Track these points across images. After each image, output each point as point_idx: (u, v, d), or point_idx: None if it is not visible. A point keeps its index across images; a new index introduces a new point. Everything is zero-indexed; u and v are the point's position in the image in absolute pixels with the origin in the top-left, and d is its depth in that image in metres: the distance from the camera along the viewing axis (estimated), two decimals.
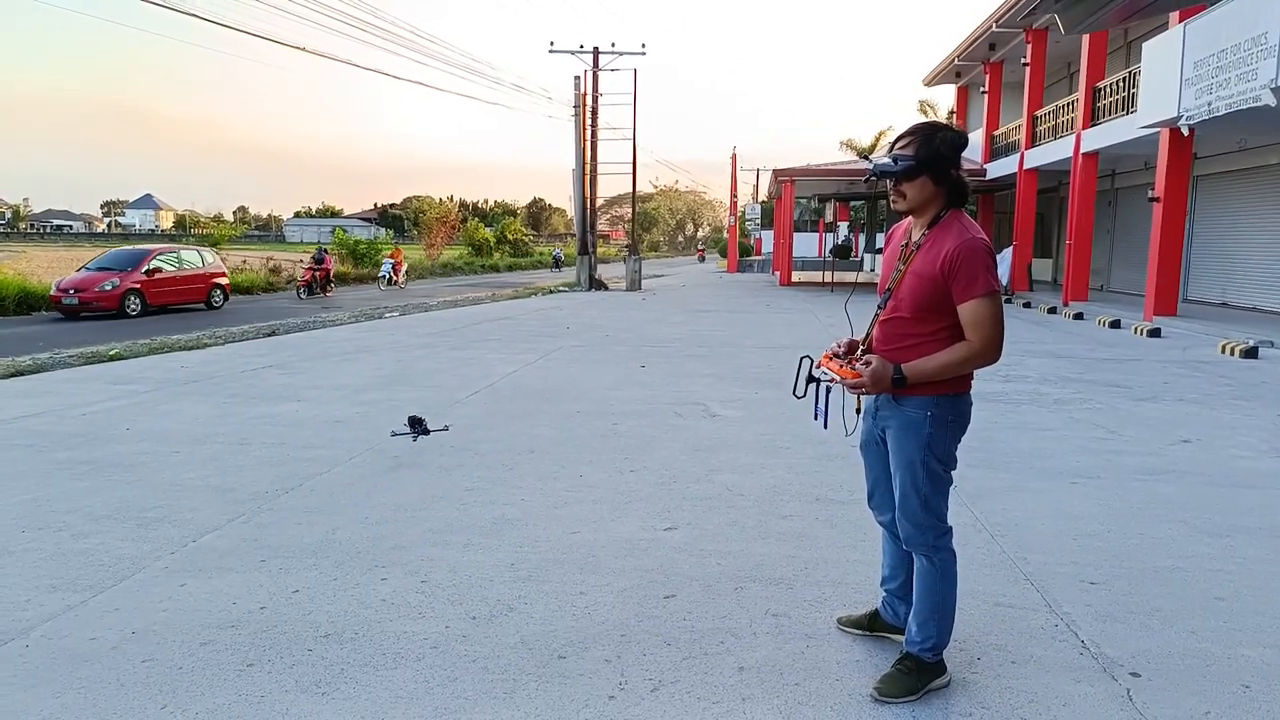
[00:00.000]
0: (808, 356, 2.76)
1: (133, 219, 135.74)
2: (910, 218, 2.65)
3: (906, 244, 2.63)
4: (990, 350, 2.44)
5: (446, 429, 5.71)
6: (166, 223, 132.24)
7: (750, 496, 4.57)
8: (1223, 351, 10.72)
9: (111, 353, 10.49)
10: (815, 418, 2.78)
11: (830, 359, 2.69)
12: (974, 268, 2.41)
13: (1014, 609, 3.17)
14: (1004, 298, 2.51)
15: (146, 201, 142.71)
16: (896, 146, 2.56)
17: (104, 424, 6.28)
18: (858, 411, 2.78)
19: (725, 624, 3.04)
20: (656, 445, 5.71)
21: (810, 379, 2.75)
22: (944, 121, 2.69)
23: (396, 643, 2.88)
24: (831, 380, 2.67)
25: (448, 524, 4.11)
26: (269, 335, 12.72)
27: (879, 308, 2.65)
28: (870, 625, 2.94)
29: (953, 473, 2.60)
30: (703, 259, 56.01)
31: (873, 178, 2.63)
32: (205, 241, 28.69)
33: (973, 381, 2.59)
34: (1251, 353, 10.34)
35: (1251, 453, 5.62)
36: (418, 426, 5.53)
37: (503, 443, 5.76)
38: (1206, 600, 3.27)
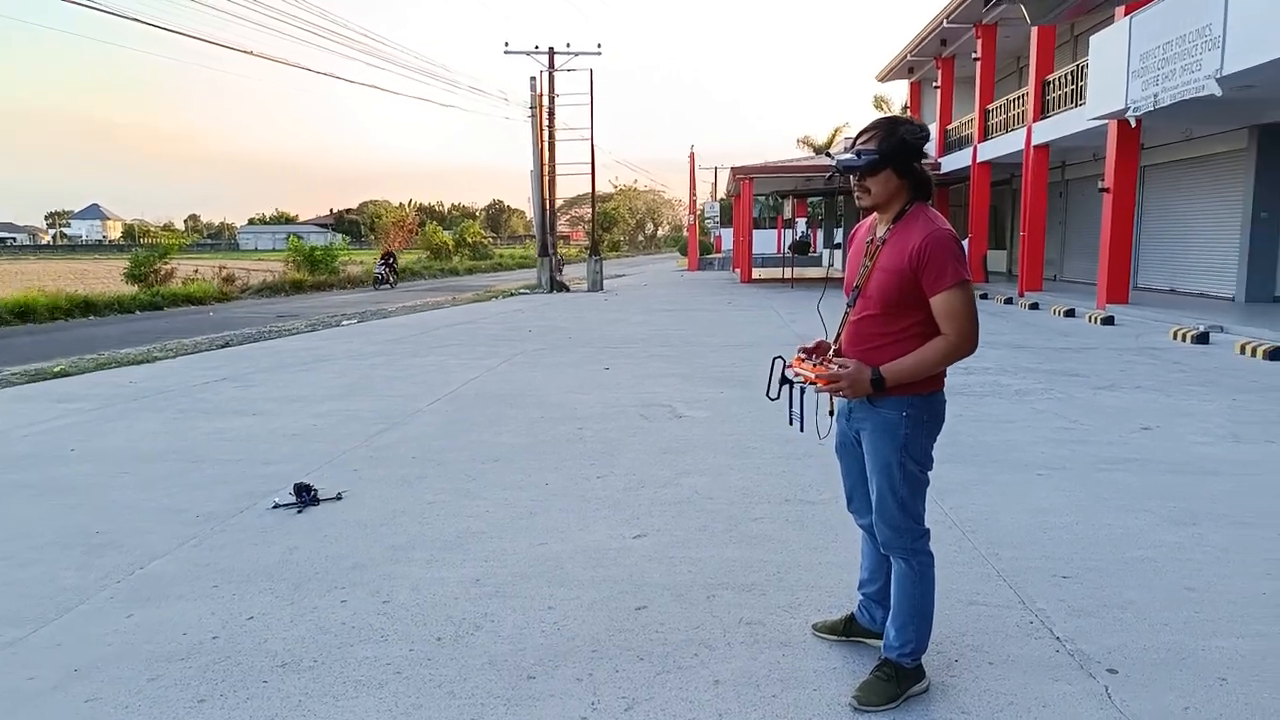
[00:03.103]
0: (780, 357, 2.69)
1: (79, 230, 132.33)
2: (874, 214, 2.59)
3: (872, 240, 2.58)
4: (967, 342, 2.40)
5: (339, 498, 4.59)
6: (115, 233, 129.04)
7: (719, 500, 4.50)
8: (1174, 338, 10.93)
9: (56, 369, 10.13)
10: (790, 422, 2.71)
11: (802, 360, 2.63)
12: (942, 259, 2.37)
13: (989, 607, 3.14)
14: None
15: (93, 211, 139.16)
16: (859, 141, 2.51)
17: (48, 444, 6.03)
18: (831, 414, 2.73)
19: (698, 635, 2.96)
20: (623, 449, 5.63)
21: (783, 381, 2.68)
22: (905, 116, 2.63)
23: (358, 669, 2.76)
24: (804, 382, 2.60)
25: (410, 539, 3.99)
26: (223, 347, 12.39)
27: (848, 306, 2.60)
28: (846, 630, 2.89)
29: (929, 473, 2.55)
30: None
31: (836, 173, 2.57)
32: (154, 251, 27.81)
33: (945, 378, 2.54)
34: (1202, 338, 10.55)
35: (1210, 438, 5.69)
36: (304, 496, 4.50)
37: (466, 452, 5.63)
38: (1177, 591, 3.27)
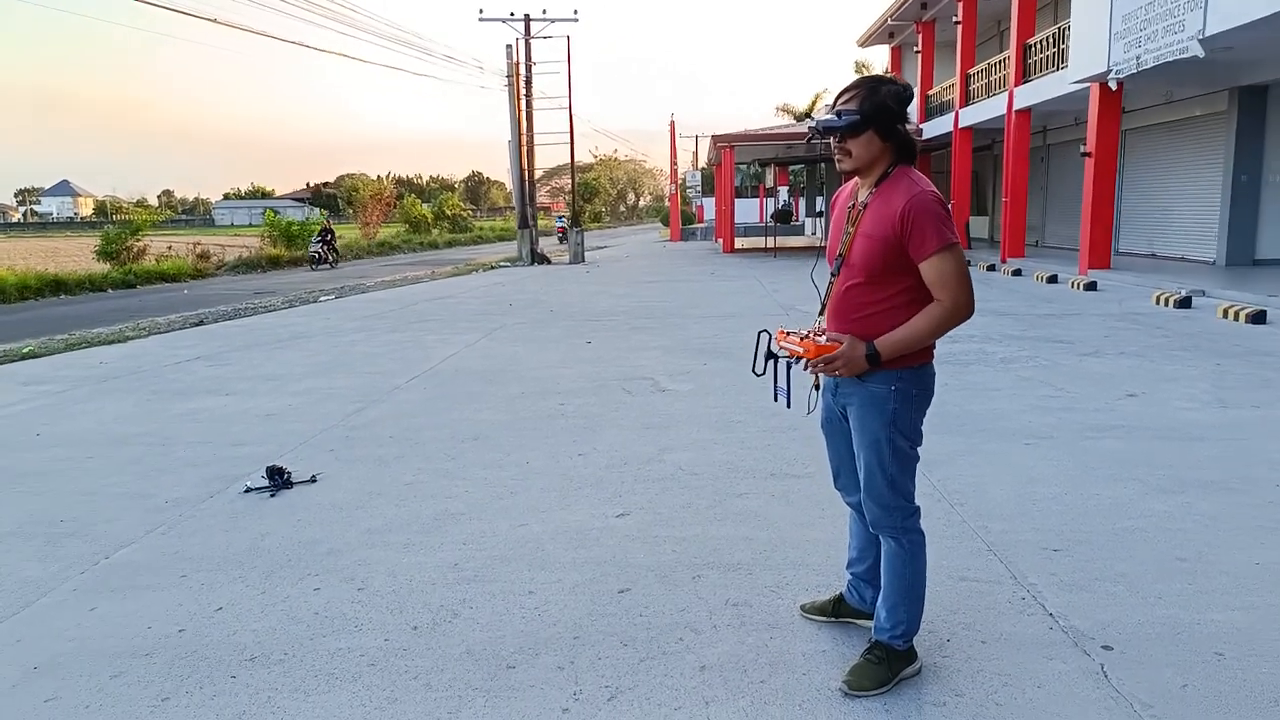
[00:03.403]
0: (765, 331, 2.58)
1: (49, 207, 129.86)
2: (855, 179, 2.48)
3: (853, 205, 2.46)
4: (962, 308, 2.30)
5: (314, 480, 4.47)
6: (86, 209, 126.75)
7: (704, 475, 4.42)
8: (1157, 303, 10.92)
9: (25, 350, 9.88)
10: (775, 398, 2.62)
11: (787, 334, 2.52)
12: (927, 222, 2.25)
13: (980, 583, 3.08)
14: None
15: (63, 188, 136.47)
16: (839, 102, 2.38)
17: (13, 429, 5.85)
18: (816, 388, 2.63)
19: (683, 618, 2.88)
20: (605, 425, 5.53)
21: (768, 355, 2.58)
22: (889, 75, 2.49)
23: (330, 662, 2.65)
24: (790, 357, 2.50)
25: (387, 522, 3.88)
26: (197, 325, 12.15)
27: (832, 276, 2.49)
28: (835, 611, 2.81)
29: (919, 448, 2.46)
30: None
31: (816, 136, 2.45)
32: (126, 228, 27.23)
33: (934, 350, 2.45)
34: (1185, 303, 10.54)
35: (1195, 404, 5.66)
36: (277, 479, 4.37)
37: (445, 430, 5.51)
38: (1169, 562, 3.22)
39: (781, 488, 4.17)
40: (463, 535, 3.69)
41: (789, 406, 2.63)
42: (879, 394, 2.39)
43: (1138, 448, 4.69)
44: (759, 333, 2.60)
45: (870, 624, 2.60)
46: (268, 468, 4.45)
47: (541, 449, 5.01)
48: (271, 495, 4.28)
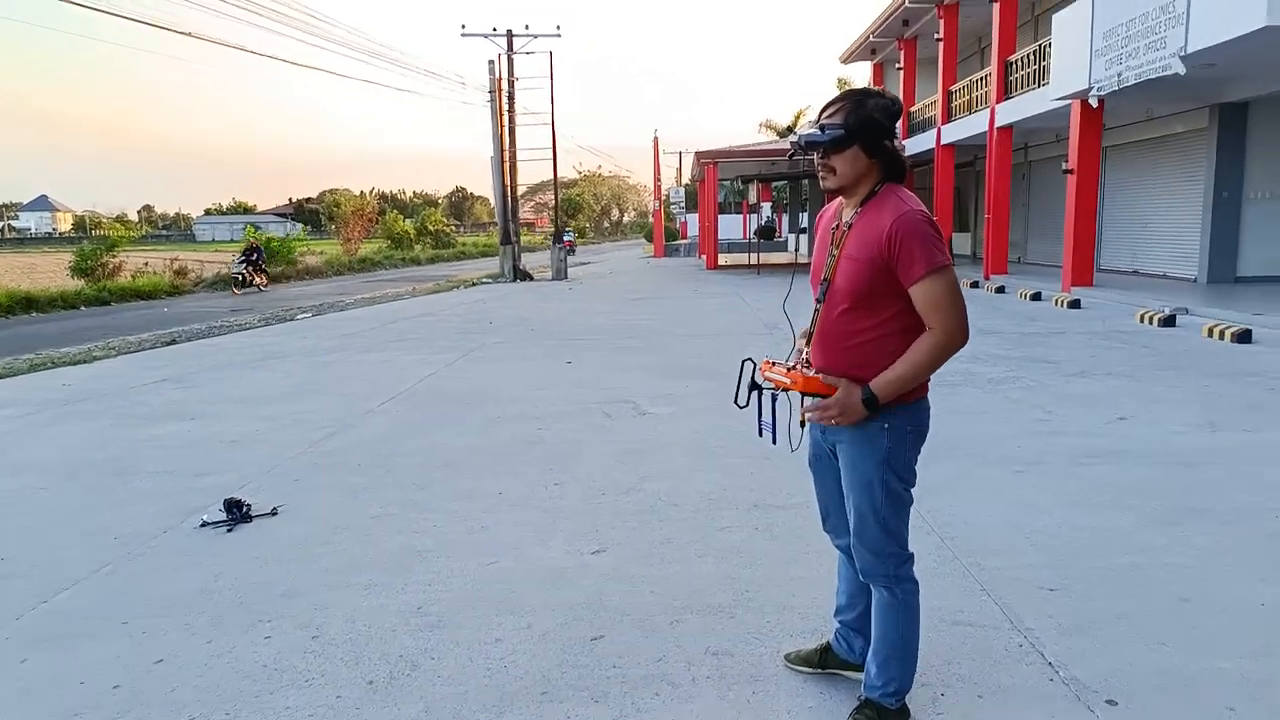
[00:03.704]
0: (749, 359, 2.41)
1: (27, 222, 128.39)
2: (840, 198, 2.32)
3: (837, 226, 2.30)
4: (957, 334, 2.13)
5: (275, 513, 4.24)
6: (65, 225, 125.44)
7: (684, 507, 4.23)
8: (1141, 321, 10.86)
9: None
10: (760, 433, 2.45)
11: (773, 364, 2.36)
12: (915, 243, 2.09)
13: (974, 627, 2.91)
14: None
15: (41, 203, 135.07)
16: (824, 115, 2.22)
17: None
18: (803, 424, 2.45)
19: (660, 669, 2.69)
20: (584, 451, 5.34)
21: (752, 386, 2.41)
22: (876, 89, 2.33)
23: None
24: (776, 388, 2.34)
25: (349, 560, 3.67)
26: (169, 344, 11.87)
27: (817, 302, 2.32)
28: (821, 662, 2.63)
29: (912, 489, 2.29)
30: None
31: (799, 152, 2.29)
32: (101, 244, 26.81)
33: (929, 383, 2.28)
34: (1169, 321, 10.48)
35: (1185, 427, 5.54)
36: (235, 512, 4.13)
37: (416, 457, 5.30)
38: (1171, 602, 3.06)
39: (765, 520, 4.00)
40: (429, 575, 3.49)
41: (775, 443, 2.46)
42: (871, 431, 2.22)
43: (1131, 474, 4.55)
44: (742, 361, 2.43)
45: (859, 676, 2.43)
46: (225, 500, 4.23)
47: (517, 478, 4.81)
48: (229, 530, 4.06)
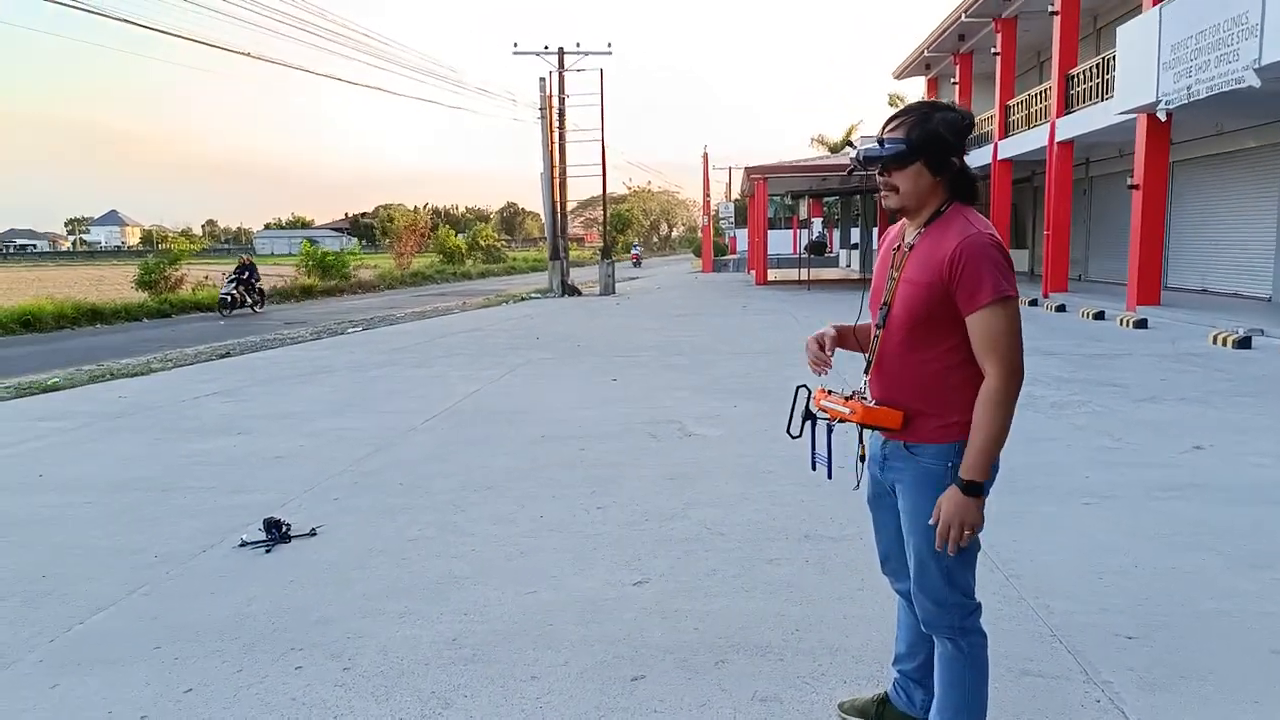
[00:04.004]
0: (804, 386, 2.25)
1: (98, 236, 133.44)
2: (904, 219, 2.15)
3: (899, 247, 2.13)
4: (1013, 377, 1.95)
5: (314, 534, 4.17)
6: (134, 239, 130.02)
7: (731, 536, 4.06)
8: (1214, 342, 10.37)
9: (50, 382, 9.82)
10: (814, 466, 2.29)
11: (829, 393, 2.19)
12: (981, 267, 1.92)
13: (1045, 679, 2.68)
14: None
15: (111, 218, 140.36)
16: (886, 129, 2.06)
17: (16, 470, 5.66)
18: (861, 459, 2.27)
19: (705, 716, 2.52)
20: (628, 474, 5.19)
21: (806, 415, 2.25)
22: (945, 101, 2.14)
23: None
24: (833, 419, 2.17)
25: (385, 586, 3.57)
26: (223, 357, 12.06)
27: (876, 328, 2.15)
28: (879, 714, 2.43)
29: (980, 534, 2.10)
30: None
31: (858, 168, 2.12)
32: (165, 258, 27.55)
33: None
34: (1244, 343, 9.98)
35: (1270, 459, 5.19)
36: (274, 532, 4.08)
37: (457, 477, 5.21)
38: (1263, 656, 2.80)
39: (817, 552, 3.80)
40: (465, 603, 3.37)
41: (830, 477, 2.29)
42: (934, 472, 2.04)
43: (1213, 511, 4.25)
44: (796, 388, 2.26)
45: None
46: (265, 520, 4.18)
47: (557, 501, 4.68)
48: (267, 551, 3.99)
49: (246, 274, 21.99)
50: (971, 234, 1.94)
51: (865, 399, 2.15)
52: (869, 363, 2.18)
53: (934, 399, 2.04)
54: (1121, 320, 12.86)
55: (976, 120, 22.95)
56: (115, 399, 8.42)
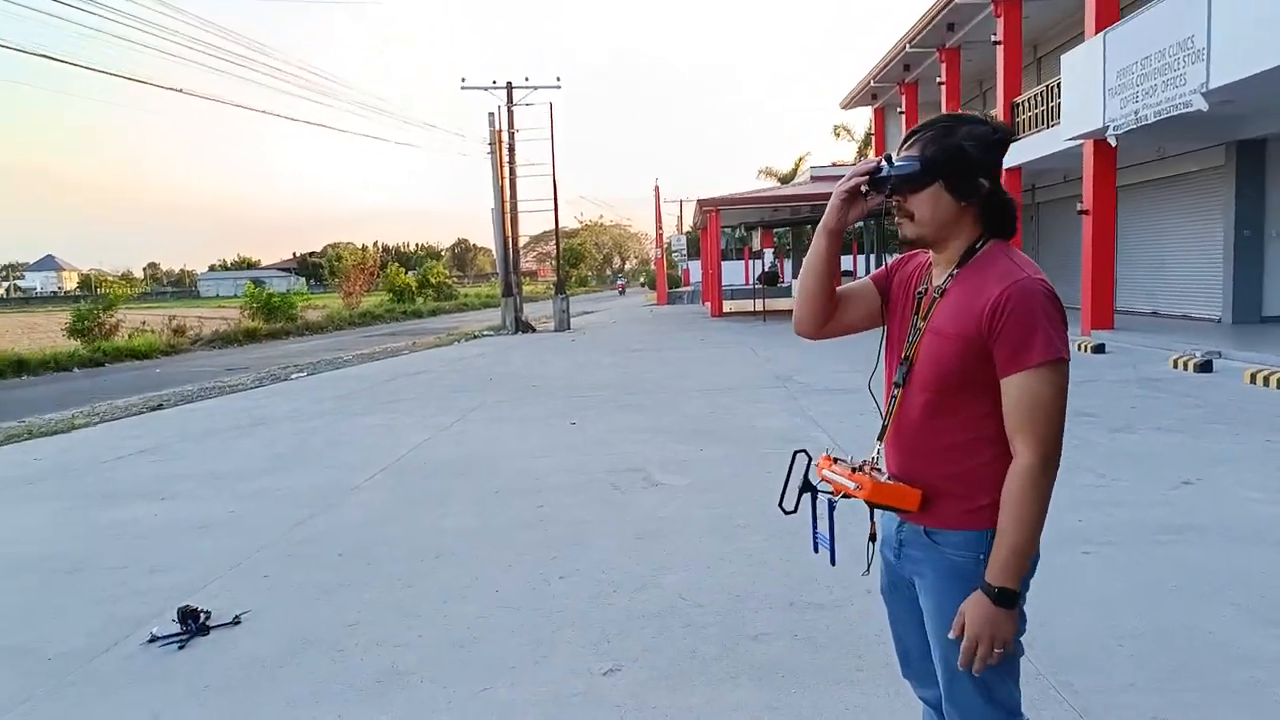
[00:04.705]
0: (803, 451, 1.85)
1: (33, 281, 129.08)
2: (928, 252, 1.80)
3: (925, 290, 1.78)
4: (1053, 456, 1.60)
5: (237, 621, 3.67)
6: (70, 284, 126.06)
7: (709, 607, 3.66)
8: (1174, 366, 10.31)
9: None
10: (816, 549, 1.91)
11: (834, 461, 1.82)
12: (1030, 321, 1.57)
13: None
14: None
15: (48, 263, 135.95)
16: (904, 146, 1.72)
17: None
18: (872, 539, 1.89)
19: None
20: (591, 535, 4.77)
21: (804, 486, 1.86)
22: (977, 114, 1.77)
23: None
24: (837, 493, 1.79)
25: (314, 688, 3.09)
26: (155, 409, 11.36)
27: (896, 385, 1.79)
28: None
29: (1023, 638, 1.74)
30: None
31: (873, 190, 1.74)
32: (99, 303, 26.46)
33: None
34: (1205, 367, 9.92)
35: (1263, 493, 4.96)
36: (192, 623, 3.56)
37: (403, 544, 4.74)
38: None
39: (805, 625, 3.42)
40: (407, 707, 2.91)
41: (833, 563, 1.91)
42: (960, 565, 1.68)
43: (1220, 557, 3.97)
44: (794, 453, 1.86)
45: None
46: (180, 609, 3.66)
47: (514, 571, 4.24)
48: (180, 647, 3.48)
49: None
50: (1020, 279, 1.60)
51: (878, 471, 1.78)
52: (884, 427, 1.82)
53: (961, 476, 1.69)
54: (1081, 345, 12.82)
55: None
56: (30, 461, 7.76)
